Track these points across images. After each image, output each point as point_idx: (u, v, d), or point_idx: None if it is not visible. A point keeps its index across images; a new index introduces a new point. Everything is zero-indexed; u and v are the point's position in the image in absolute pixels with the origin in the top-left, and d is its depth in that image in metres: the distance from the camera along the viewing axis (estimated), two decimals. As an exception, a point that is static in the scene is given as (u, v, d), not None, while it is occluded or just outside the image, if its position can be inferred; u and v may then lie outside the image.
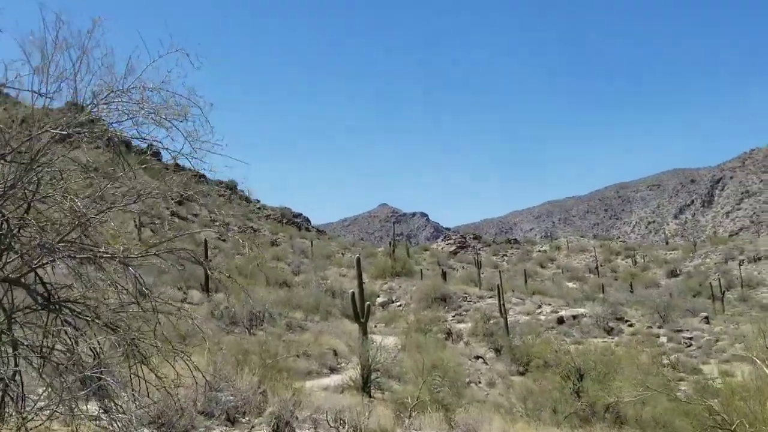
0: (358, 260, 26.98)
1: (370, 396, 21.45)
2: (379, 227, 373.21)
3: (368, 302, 25.03)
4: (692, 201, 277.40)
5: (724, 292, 64.37)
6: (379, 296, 52.71)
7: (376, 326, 43.91)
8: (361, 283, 25.67)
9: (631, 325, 40.52)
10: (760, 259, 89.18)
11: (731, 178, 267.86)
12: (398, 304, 50.73)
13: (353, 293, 24.57)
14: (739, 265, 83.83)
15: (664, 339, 37.08)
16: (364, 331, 23.70)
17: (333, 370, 26.56)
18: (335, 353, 28.55)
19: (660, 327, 39.51)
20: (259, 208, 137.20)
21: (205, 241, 41.95)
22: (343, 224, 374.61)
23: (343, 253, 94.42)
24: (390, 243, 68.99)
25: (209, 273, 39.91)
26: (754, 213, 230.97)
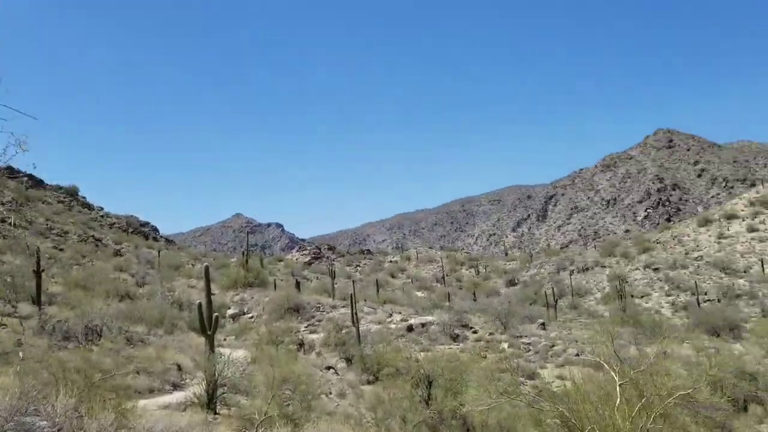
0: (206, 269, 25.73)
1: (215, 413, 20.47)
2: (233, 238, 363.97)
3: (216, 314, 23.94)
4: (528, 215, 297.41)
5: (557, 300, 69.22)
6: (230, 308, 51.04)
7: (225, 339, 42.36)
8: (209, 294, 24.49)
9: (475, 332, 42.26)
10: (588, 269, 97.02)
11: (563, 195, 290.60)
12: (250, 315, 49.36)
13: (200, 304, 23.38)
14: (570, 275, 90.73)
15: (505, 345, 38.98)
16: (211, 345, 22.64)
17: (177, 387, 25.13)
18: (180, 368, 27.11)
19: (501, 333, 41.55)
20: (102, 216, 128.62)
21: (38, 250, 38.31)
22: (195, 235, 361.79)
23: (193, 264, 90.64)
24: (243, 253, 67.14)
25: (40, 284, 36.66)
26: (581, 227, 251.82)
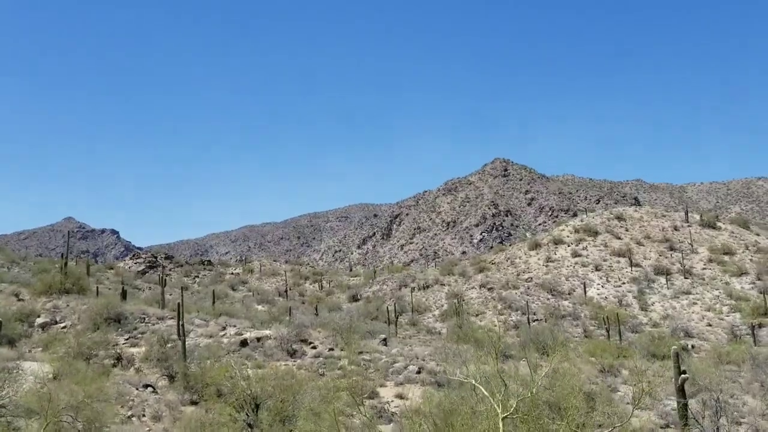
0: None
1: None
2: (63, 243, 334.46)
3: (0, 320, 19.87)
4: (374, 233, 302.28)
5: (398, 316, 69.10)
6: (39, 316, 45.04)
7: (30, 351, 37.08)
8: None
9: (314, 347, 40.19)
10: (428, 286, 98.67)
11: (407, 215, 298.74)
12: (63, 325, 43.78)
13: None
14: (411, 291, 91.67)
15: (345, 361, 37.26)
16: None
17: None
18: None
19: (342, 349, 39.82)
20: None
21: None
22: (20, 237, 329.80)
23: (8, 267, 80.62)
24: (62, 255, 60.24)
25: None
26: (423, 247, 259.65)
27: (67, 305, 46.83)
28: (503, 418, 10.08)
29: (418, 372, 35.40)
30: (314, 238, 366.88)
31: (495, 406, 10.29)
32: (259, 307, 78.28)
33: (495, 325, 74.88)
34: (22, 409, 17.18)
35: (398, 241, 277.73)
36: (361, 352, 40.02)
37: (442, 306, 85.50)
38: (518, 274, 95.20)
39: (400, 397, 30.22)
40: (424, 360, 38.17)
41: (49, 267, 69.31)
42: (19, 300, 47.73)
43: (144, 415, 26.21)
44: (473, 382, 11.46)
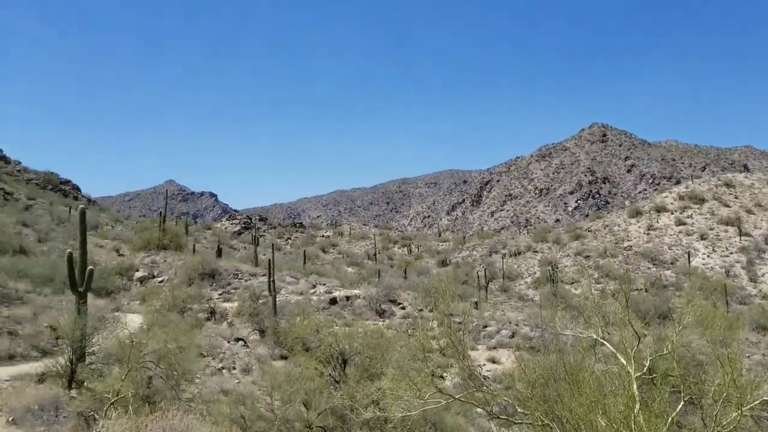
0: (82, 212, 21.53)
1: (82, 386, 16.67)
2: (165, 205, 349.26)
3: (91, 267, 19.89)
4: (464, 199, 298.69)
5: (488, 282, 67.40)
6: (138, 270, 46.50)
7: (129, 303, 38.22)
8: (84, 244, 20.39)
9: (403, 308, 39.37)
10: (519, 253, 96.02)
11: (498, 181, 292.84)
12: (160, 279, 44.99)
13: (70, 254, 19.32)
14: (502, 258, 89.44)
15: (435, 323, 36.22)
16: (82, 303, 18.69)
17: (46, 353, 21.01)
18: (54, 332, 22.83)
19: (431, 311, 38.79)
20: (19, 171, 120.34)
21: None
22: (125, 199, 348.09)
23: (112, 226, 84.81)
24: (159, 213, 62.17)
25: None
26: (514, 214, 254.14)
27: (165, 261, 48.11)
28: (637, 378, 8.50)
29: (512, 336, 33.87)
30: (403, 204, 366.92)
31: (626, 364, 8.70)
32: (349, 269, 78.54)
33: (592, 294, 71.99)
34: (112, 357, 17.02)
35: (488, 208, 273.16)
36: (450, 314, 38.83)
37: (535, 273, 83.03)
38: (617, 242, 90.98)
39: (493, 361, 28.89)
40: (517, 325, 36.52)
41: (149, 225, 72.01)
42: (120, 255, 49.47)
43: (234, 368, 26.15)
44: (597, 338, 9.86)
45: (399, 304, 40.18)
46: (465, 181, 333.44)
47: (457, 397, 10.52)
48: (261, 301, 36.47)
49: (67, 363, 16.59)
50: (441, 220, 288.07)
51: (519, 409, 9.44)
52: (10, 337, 22.76)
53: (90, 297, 32.52)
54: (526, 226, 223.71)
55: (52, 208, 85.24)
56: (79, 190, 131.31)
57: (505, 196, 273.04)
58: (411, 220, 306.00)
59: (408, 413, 9.97)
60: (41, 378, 17.22)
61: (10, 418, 14.80)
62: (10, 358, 21.28)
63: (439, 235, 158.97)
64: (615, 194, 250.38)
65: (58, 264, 36.40)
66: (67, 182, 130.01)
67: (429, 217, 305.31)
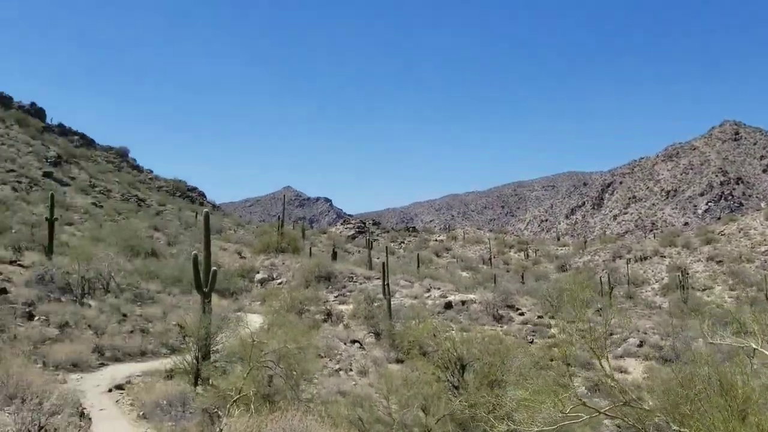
0: (206, 216, 22.25)
1: (207, 383, 17.14)
2: (282, 210, 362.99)
3: (215, 268, 20.47)
4: (583, 203, 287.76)
5: (612, 287, 64.18)
6: (258, 272, 48.17)
7: (250, 303, 39.58)
8: (208, 246, 21.04)
9: (522, 314, 38.10)
10: (645, 258, 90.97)
11: (620, 183, 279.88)
12: (279, 281, 46.34)
13: (195, 256, 19.97)
14: (627, 263, 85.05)
15: (555, 330, 34.77)
16: (206, 303, 19.26)
17: (174, 351, 21.92)
18: (182, 330, 23.80)
19: (552, 317, 37.30)
20: (150, 179, 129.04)
21: (51, 196, 35.85)
22: (246, 205, 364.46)
23: (235, 230, 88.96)
24: (278, 217, 64.19)
25: (53, 234, 34.19)
26: (639, 217, 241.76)
27: (283, 263, 49.50)
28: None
29: (640, 345, 31.80)
30: (518, 208, 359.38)
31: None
32: (463, 273, 77.53)
33: (725, 301, 66.80)
34: (234, 355, 17.37)
35: (611, 211, 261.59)
36: (572, 321, 37.17)
37: (663, 279, 78.26)
38: (753, 247, 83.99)
39: (620, 370, 27.18)
40: (645, 333, 34.28)
41: (269, 230, 74.71)
42: (242, 258, 51.48)
43: (351, 369, 26.24)
44: (755, 346, 8.69)
45: (517, 309, 38.95)
46: (585, 184, 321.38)
47: (603, 410, 9.63)
48: (376, 304, 36.54)
49: (194, 360, 17.10)
50: (559, 224, 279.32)
51: (673, 427, 8.45)
52: (142, 335, 24.01)
53: (215, 297, 33.82)
54: (651, 230, 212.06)
55: (180, 214, 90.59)
56: (205, 197, 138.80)
57: (629, 198, 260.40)
58: (527, 224, 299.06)
59: (547, 428, 9.23)
60: (170, 374, 17.88)
61: (141, 413, 15.42)
62: (142, 354, 22.42)
63: (558, 240, 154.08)
64: (750, 196, 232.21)
65: (185, 266, 38.29)
66: (194, 189, 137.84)
67: (546, 221, 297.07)
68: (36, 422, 6.06)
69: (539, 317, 37.67)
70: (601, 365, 9.02)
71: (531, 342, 32.50)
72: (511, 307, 39.13)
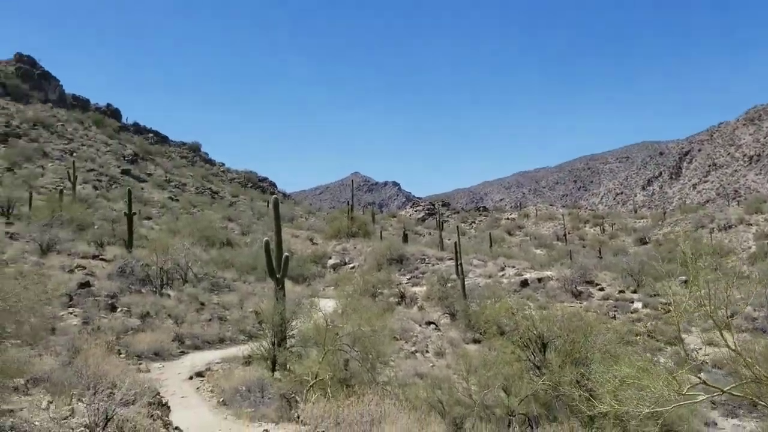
0: (276, 202, 22.25)
1: (284, 369, 17.13)
2: (351, 195, 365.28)
3: (287, 254, 20.45)
4: (660, 173, 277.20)
5: (695, 259, 61.36)
6: (330, 257, 48.43)
7: (324, 289, 39.79)
8: (279, 232, 21.03)
9: (602, 289, 36.74)
10: (730, 227, 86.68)
11: (699, 150, 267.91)
12: (351, 265, 46.46)
13: (267, 242, 19.97)
14: (710, 233, 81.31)
15: (638, 304, 33.35)
16: (279, 289, 19.26)
17: (251, 337, 22.13)
18: (257, 316, 24.01)
19: (634, 291, 35.81)
20: (223, 171, 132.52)
21: (129, 192, 36.93)
22: (316, 192, 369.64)
23: (306, 217, 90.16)
24: (347, 202, 64.36)
25: (132, 228, 35.24)
26: (720, 185, 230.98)
27: (354, 247, 49.61)
28: None
29: (730, 317, 30.07)
30: (591, 182, 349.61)
31: None
32: (537, 251, 75.94)
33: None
34: (309, 340, 17.28)
35: (689, 180, 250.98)
36: (656, 294, 35.56)
37: (750, 248, 74.33)
38: None
39: (711, 344, 25.71)
40: (737, 304, 32.39)
41: (339, 215, 75.23)
42: (313, 244, 51.90)
43: (427, 351, 25.91)
44: None
45: (597, 285, 37.60)
46: (661, 153, 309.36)
47: (727, 389, 8.86)
48: (449, 285, 36.04)
49: (270, 346, 17.12)
50: (635, 196, 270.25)
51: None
52: (220, 323, 24.39)
53: (288, 283, 34.15)
54: (735, 198, 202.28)
55: (252, 204, 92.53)
56: (275, 186, 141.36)
57: (709, 166, 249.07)
58: (601, 198, 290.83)
59: (659, 408, 8.54)
60: (247, 360, 17.99)
61: (221, 400, 15.55)
62: (221, 341, 22.75)
63: (635, 212, 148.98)
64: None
65: (259, 254, 38.83)
66: (264, 179, 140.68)
67: (621, 193, 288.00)
68: (106, 412, 5.94)
69: (620, 292, 36.23)
70: (722, 337, 8.21)
71: (613, 318, 31.27)
72: (590, 282, 37.81)
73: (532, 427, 12.77)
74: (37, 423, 5.84)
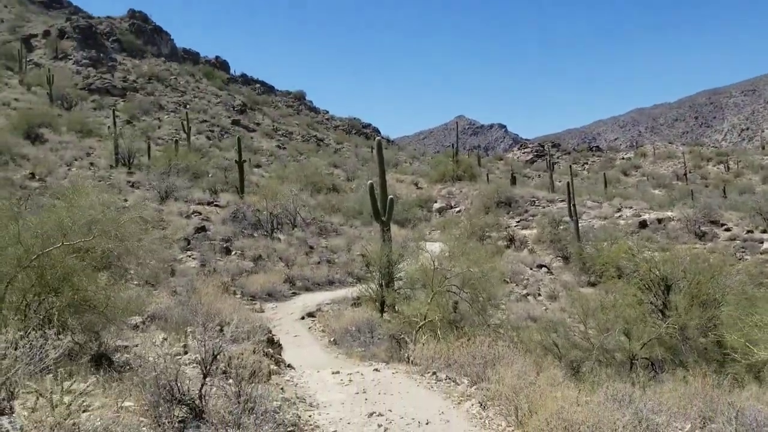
0: (379, 144, 21.92)
1: (393, 310, 17.11)
2: (455, 139, 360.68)
3: (391, 197, 20.20)
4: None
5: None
6: (436, 201, 48.04)
7: (430, 233, 39.58)
8: (383, 174, 20.76)
9: (728, 230, 34.21)
10: None
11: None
12: (457, 209, 45.89)
13: (371, 185, 19.81)
14: None
15: (769, 245, 30.85)
16: (385, 231, 19.10)
17: (360, 279, 22.30)
18: (364, 258, 24.16)
19: (764, 231, 33.08)
20: (327, 119, 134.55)
21: (238, 140, 37.92)
22: (419, 137, 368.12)
23: (410, 162, 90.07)
24: (452, 146, 63.35)
25: (243, 175, 36.29)
26: None
27: (460, 191, 48.87)
28: None
29: None
30: (714, 117, 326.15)
31: None
32: (656, 192, 72.08)
33: None
34: (417, 282, 17.10)
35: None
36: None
37: None
38: None
39: None
40: None
41: (443, 159, 74.46)
42: (418, 188, 51.62)
43: (539, 294, 25.23)
44: None
45: (722, 225, 35.05)
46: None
47: None
48: (562, 227, 34.82)
49: (378, 288, 17.09)
50: (764, 131, 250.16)
51: None
52: (329, 265, 24.76)
53: (394, 227, 34.16)
54: None
55: (357, 150, 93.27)
56: (379, 132, 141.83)
57: None
58: (725, 135, 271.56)
59: None
60: (356, 302, 18.11)
61: (332, 339, 15.75)
62: (330, 283, 23.11)
63: (763, 149, 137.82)
64: None
65: (364, 198, 39.00)
66: (368, 125, 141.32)
67: (747, 129, 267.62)
68: (213, 349, 5.90)
69: (749, 232, 33.60)
70: None
71: (740, 259, 29.09)
72: (714, 222, 35.28)
73: (656, 372, 12.00)
74: (151, 359, 5.93)
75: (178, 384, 5.66)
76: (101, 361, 6.99)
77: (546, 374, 8.26)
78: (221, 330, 6.98)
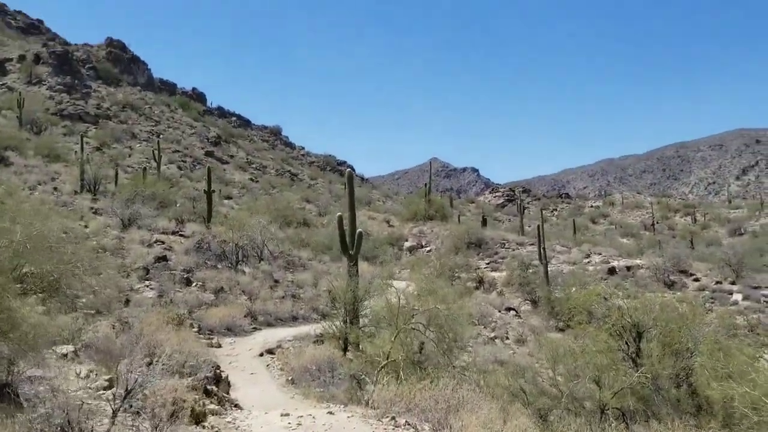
0: (349, 176, 21.42)
1: (356, 348, 16.38)
2: (429, 179, 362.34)
3: (360, 230, 19.61)
4: (757, 162, 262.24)
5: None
6: (407, 240, 47.57)
7: (399, 271, 38.97)
8: (352, 206, 20.19)
9: (696, 280, 34.23)
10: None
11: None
12: (428, 248, 45.44)
13: (340, 217, 19.21)
14: (816, 225, 75.54)
15: (738, 296, 30.81)
16: (352, 266, 18.46)
17: (324, 316, 21.49)
18: (330, 293, 23.38)
19: (733, 283, 33.14)
20: (303, 155, 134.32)
21: (208, 170, 37.22)
22: (394, 177, 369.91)
23: (383, 201, 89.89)
24: (425, 185, 63.26)
25: (211, 205, 35.46)
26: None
27: (432, 231, 48.53)
28: None
29: None
30: (682, 170, 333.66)
31: None
32: (624, 240, 72.63)
33: None
34: (383, 320, 16.43)
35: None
36: (756, 287, 32.85)
37: None
38: None
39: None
40: None
41: (416, 199, 74.24)
42: (390, 226, 51.17)
43: (507, 338, 24.65)
44: None
45: (691, 275, 35.08)
46: (758, 141, 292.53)
47: None
48: (531, 271, 34.49)
49: (342, 325, 16.39)
50: (729, 186, 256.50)
51: None
52: (293, 300, 23.94)
53: (363, 265, 33.43)
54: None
55: (330, 186, 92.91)
56: (354, 170, 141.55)
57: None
58: (692, 188, 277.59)
59: None
60: (319, 339, 17.35)
61: (290, 378, 14.93)
62: (294, 319, 22.27)
63: (729, 203, 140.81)
64: None
65: (334, 235, 38.39)
66: (343, 163, 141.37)
67: (714, 183, 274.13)
68: (131, 383, 5.20)
69: (717, 282, 33.64)
70: None
71: (710, 310, 28.94)
72: (683, 272, 35.33)
73: (627, 423, 11.45)
74: (70, 392, 5.19)
75: (79, 422, 4.91)
76: (3, 391, 6.19)
77: (514, 423, 7.64)
78: (150, 363, 6.25)
